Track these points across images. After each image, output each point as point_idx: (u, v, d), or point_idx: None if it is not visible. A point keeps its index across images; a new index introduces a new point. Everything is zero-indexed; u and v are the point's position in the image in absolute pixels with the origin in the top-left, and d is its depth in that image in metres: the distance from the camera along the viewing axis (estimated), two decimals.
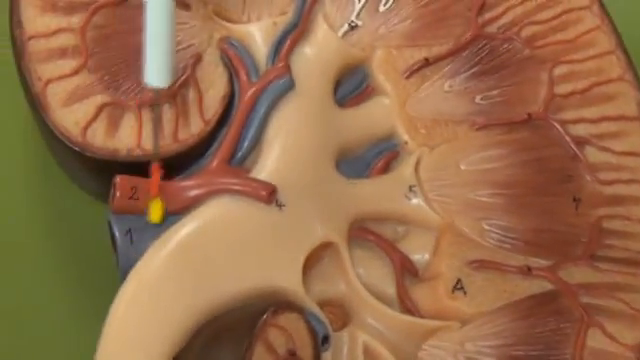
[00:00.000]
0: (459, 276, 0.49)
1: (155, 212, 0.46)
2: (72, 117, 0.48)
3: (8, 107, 0.56)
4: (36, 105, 0.48)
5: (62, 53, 0.49)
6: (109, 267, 0.49)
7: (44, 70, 0.48)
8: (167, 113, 0.49)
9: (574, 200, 0.51)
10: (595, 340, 0.48)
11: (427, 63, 0.53)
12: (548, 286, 0.49)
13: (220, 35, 0.51)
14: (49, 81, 0.48)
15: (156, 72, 0.44)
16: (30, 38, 0.49)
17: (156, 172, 0.46)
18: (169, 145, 0.48)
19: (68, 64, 0.49)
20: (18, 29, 0.49)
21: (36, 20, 0.49)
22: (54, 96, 0.48)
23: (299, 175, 0.49)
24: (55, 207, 0.55)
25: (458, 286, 0.48)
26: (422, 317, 0.48)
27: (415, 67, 0.52)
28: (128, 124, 0.48)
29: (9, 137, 0.56)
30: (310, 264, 0.49)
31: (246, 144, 0.49)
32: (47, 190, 0.55)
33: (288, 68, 0.50)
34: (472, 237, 0.50)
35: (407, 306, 0.49)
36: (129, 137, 0.48)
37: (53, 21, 0.49)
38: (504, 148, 0.51)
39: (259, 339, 0.44)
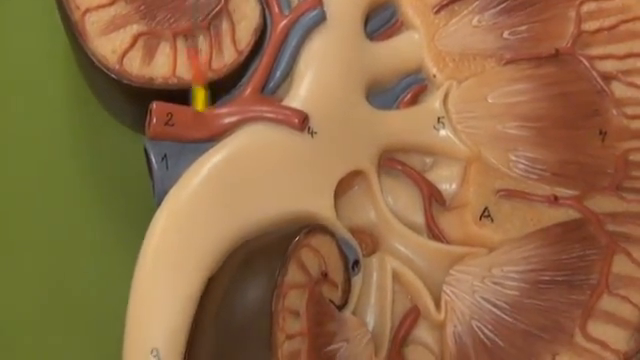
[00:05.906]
0: (486, 204, 0.49)
1: (200, 100, 0.47)
2: (109, 45, 0.49)
3: (47, 37, 0.57)
4: (74, 33, 0.49)
5: None
6: (146, 196, 0.50)
7: None
8: (202, 43, 0.50)
9: (600, 133, 0.51)
10: (621, 266, 0.49)
11: None
12: (574, 214, 0.50)
13: None
14: (87, 10, 0.49)
15: None
16: None
17: (195, 57, 0.46)
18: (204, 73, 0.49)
19: None
20: None
21: None
22: (92, 25, 0.49)
23: (330, 104, 0.49)
24: (92, 136, 0.56)
25: (485, 214, 0.49)
26: (449, 244, 0.49)
27: (444, 2, 0.53)
28: (164, 53, 0.49)
29: (48, 67, 0.57)
30: (341, 192, 0.50)
31: (278, 74, 0.50)
32: (84, 120, 0.56)
33: (320, 1, 0.51)
34: (499, 167, 0.50)
35: (435, 234, 0.50)
36: (164, 66, 0.49)
37: None
38: (531, 82, 0.52)
39: (292, 258, 0.45)
